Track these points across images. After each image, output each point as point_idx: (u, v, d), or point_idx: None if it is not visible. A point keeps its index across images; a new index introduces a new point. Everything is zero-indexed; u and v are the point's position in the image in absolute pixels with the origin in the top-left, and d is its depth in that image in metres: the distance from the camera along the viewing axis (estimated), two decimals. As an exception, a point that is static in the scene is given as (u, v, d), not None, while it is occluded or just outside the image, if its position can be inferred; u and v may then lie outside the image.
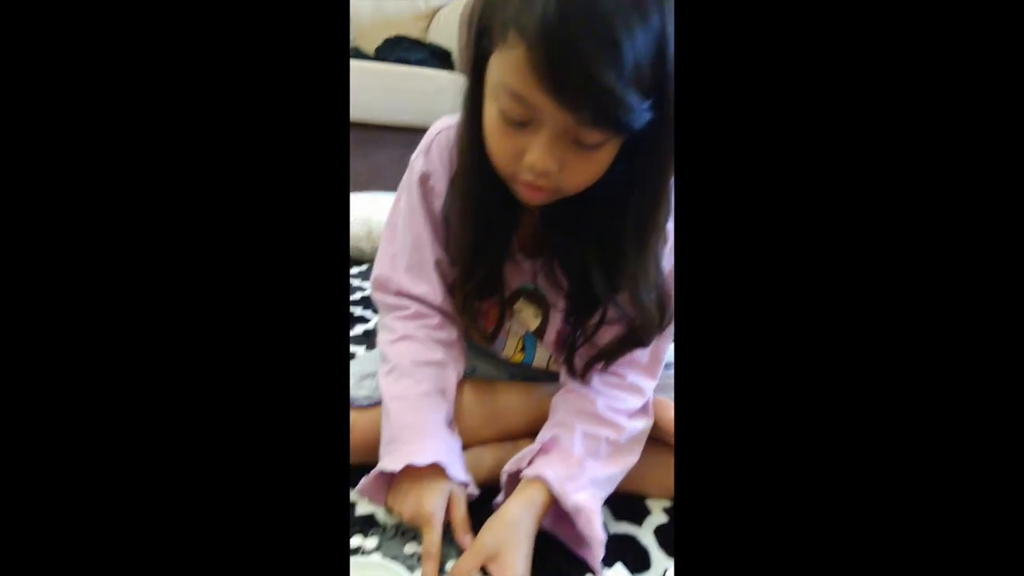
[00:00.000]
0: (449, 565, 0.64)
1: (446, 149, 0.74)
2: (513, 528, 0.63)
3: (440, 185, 0.74)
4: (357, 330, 1.35)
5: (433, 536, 0.63)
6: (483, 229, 0.69)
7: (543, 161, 0.55)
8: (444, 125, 0.75)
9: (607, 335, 0.72)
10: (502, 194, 0.64)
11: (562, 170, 0.56)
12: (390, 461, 0.67)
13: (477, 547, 0.62)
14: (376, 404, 0.78)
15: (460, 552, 0.64)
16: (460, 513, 0.66)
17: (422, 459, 0.66)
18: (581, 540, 0.67)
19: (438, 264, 0.77)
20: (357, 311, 1.48)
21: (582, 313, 0.72)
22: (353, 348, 1.24)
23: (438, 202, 0.75)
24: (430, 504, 0.65)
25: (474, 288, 0.74)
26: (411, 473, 0.67)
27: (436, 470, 0.67)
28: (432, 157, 0.75)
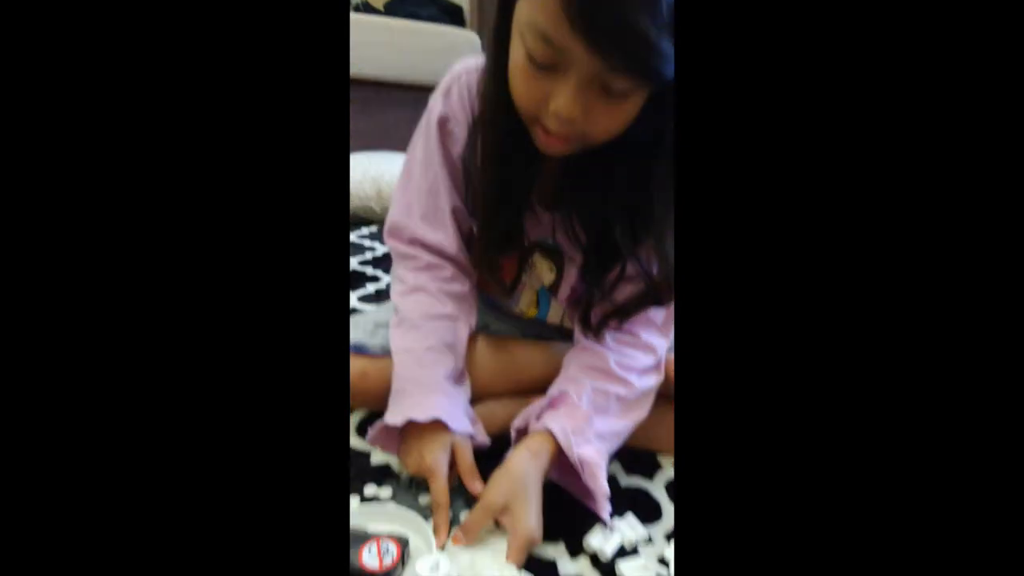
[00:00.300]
0: (463, 516, 0.65)
1: (467, 92, 0.72)
2: (519, 480, 0.64)
3: (459, 130, 0.73)
4: (368, 289, 1.36)
5: (439, 486, 0.64)
6: (504, 176, 0.68)
7: (569, 107, 0.53)
8: (465, 67, 0.73)
9: (624, 292, 0.72)
10: (524, 141, 0.63)
11: (587, 118, 0.55)
12: (392, 415, 0.68)
13: (486, 502, 0.63)
14: (389, 354, 0.78)
15: (471, 500, 0.65)
16: (466, 462, 0.67)
17: (422, 415, 0.67)
18: (587, 491, 0.68)
19: (454, 212, 0.76)
20: (368, 270, 1.48)
21: (598, 269, 0.71)
22: (364, 307, 1.24)
23: (457, 147, 0.73)
24: (431, 457, 0.66)
25: (493, 239, 0.73)
26: (414, 428, 0.68)
27: (437, 425, 0.68)
28: (452, 100, 0.73)
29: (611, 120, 0.57)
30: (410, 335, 0.74)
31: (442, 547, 0.61)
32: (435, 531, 0.62)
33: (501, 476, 0.64)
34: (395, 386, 0.72)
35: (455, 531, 0.62)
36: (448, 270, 0.78)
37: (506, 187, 0.68)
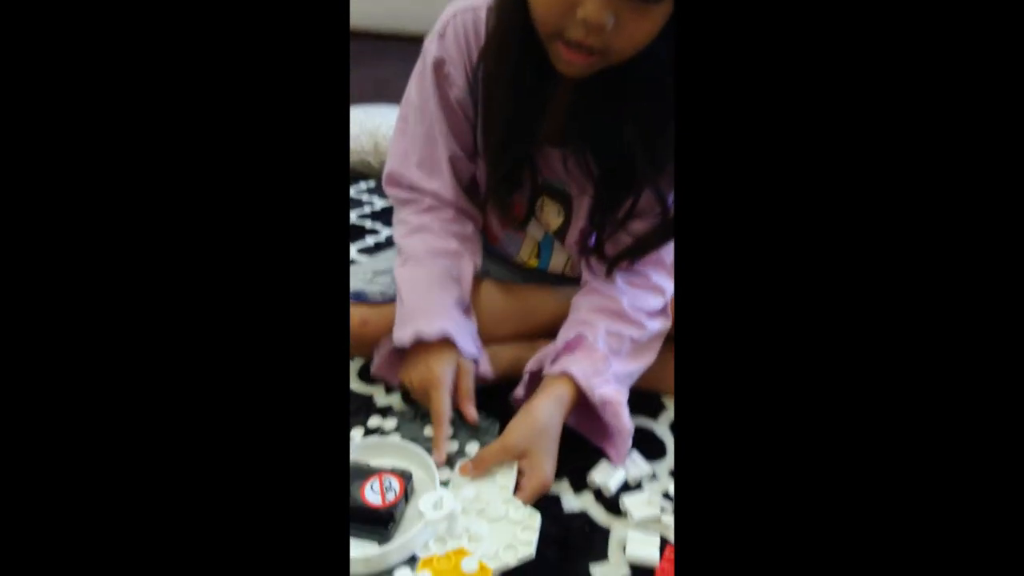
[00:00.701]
0: (470, 448, 0.65)
1: (463, 32, 0.69)
2: (543, 428, 0.64)
3: (456, 72, 0.70)
4: (367, 242, 1.34)
5: (442, 396, 0.64)
6: (515, 107, 0.65)
7: (598, 13, 0.50)
8: (461, 7, 0.71)
9: (638, 228, 0.71)
10: (538, 66, 0.60)
11: (616, 26, 0.52)
12: (400, 334, 0.68)
13: (506, 443, 0.62)
14: (389, 301, 0.78)
15: (476, 432, 0.65)
16: (466, 384, 0.67)
17: (430, 331, 0.67)
18: (606, 432, 0.68)
19: (452, 160, 0.75)
20: (367, 224, 1.46)
21: (611, 204, 0.70)
22: (362, 259, 1.23)
23: (454, 90, 0.71)
24: (439, 369, 0.65)
25: (504, 176, 0.71)
26: (421, 348, 0.67)
27: (445, 342, 0.67)
28: (447, 42, 0.70)
29: (639, 30, 0.54)
30: (415, 270, 0.73)
31: (445, 465, 0.62)
32: (435, 445, 0.62)
33: (524, 420, 0.64)
34: (400, 313, 0.71)
35: (463, 462, 0.62)
36: (450, 212, 0.77)
37: (517, 118, 0.66)
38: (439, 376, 0.65)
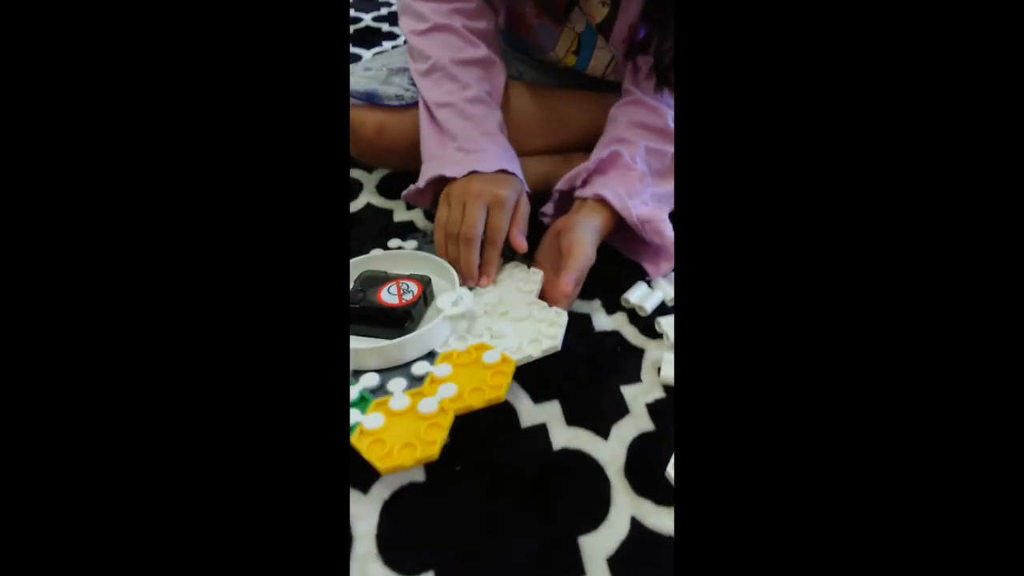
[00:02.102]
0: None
1: None
2: (577, 231, 0.58)
3: None
4: (384, 47, 1.21)
5: (505, 214, 0.56)
6: None
7: None
8: None
9: None
10: None
11: None
12: (451, 167, 0.60)
13: (587, 251, 0.56)
14: (409, 106, 0.69)
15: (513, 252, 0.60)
16: (524, 211, 0.59)
17: (487, 166, 0.59)
18: (646, 249, 0.63)
19: None
20: (384, 27, 1.32)
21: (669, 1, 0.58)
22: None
23: None
24: (503, 191, 0.57)
25: None
26: (478, 176, 0.59)
27: (505, 174, 0.60)
28: None
29: None
30: (445, 85, 0.64)
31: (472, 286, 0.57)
32: (485, 263, 0.57)
33: (553, 242, 0.58)
34: (434, 141, 0.63)
35: (484, 282, 0.57)
36: (472, 1, 0.66)
37: None
38: (504, 196, 0.57)
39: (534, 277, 0.57)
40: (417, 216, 0.74)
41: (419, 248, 0.64)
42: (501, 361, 0.48)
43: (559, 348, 0.50)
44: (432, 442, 0.42)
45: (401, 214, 0.74)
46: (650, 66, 0.66)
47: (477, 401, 0.45)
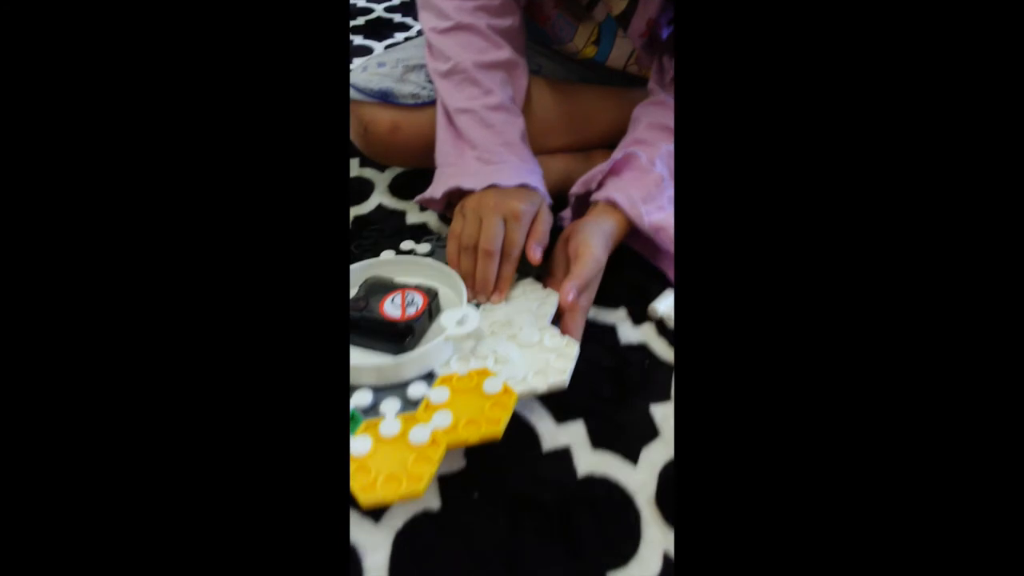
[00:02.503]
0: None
1: None
2: (584, 234, 0.54)
3: None
4: (396, 39, 1.18)
5: (522, 228, 0.53)
6: None
7: None
8: None
9: None
10: None
11: None
12: (469, 179, 0.56)
13: (596, 255, 0.53)
14: (424, 104, 0.65)
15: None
16: (544, 226, 0.55)
17: (508, 179, 0.56)
18: (660, 253, 0.59)
19: None
20: (396, 17, 1.28)
21: None
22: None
23: None
24: (521, 204, 0.54)
25: None
26: (496, 190, 0.56)
27: (525, 188, 0.57)
28: None
29: None
30: (467, 90, 0.60)
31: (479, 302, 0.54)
32: (500, 278, 0.53)
33: (583, 229, 0.55)
34: (451, 148, 0.60)
35: (496, 298, 0.53)
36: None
37: None
38: (522, 210, 0.54)
39: (550, 299, 0.53)
40: (431, 218, 0.71)
41: (432, 252, 0.61)
42: (502, 392, 0.45)
43: (566, 385, 0.47)
44: (419, 478, 0.39)
45: (414, 215, 0.71)
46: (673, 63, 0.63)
47: (472, 436, 0.42)
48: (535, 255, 0.54)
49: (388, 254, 0.59)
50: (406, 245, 0.62)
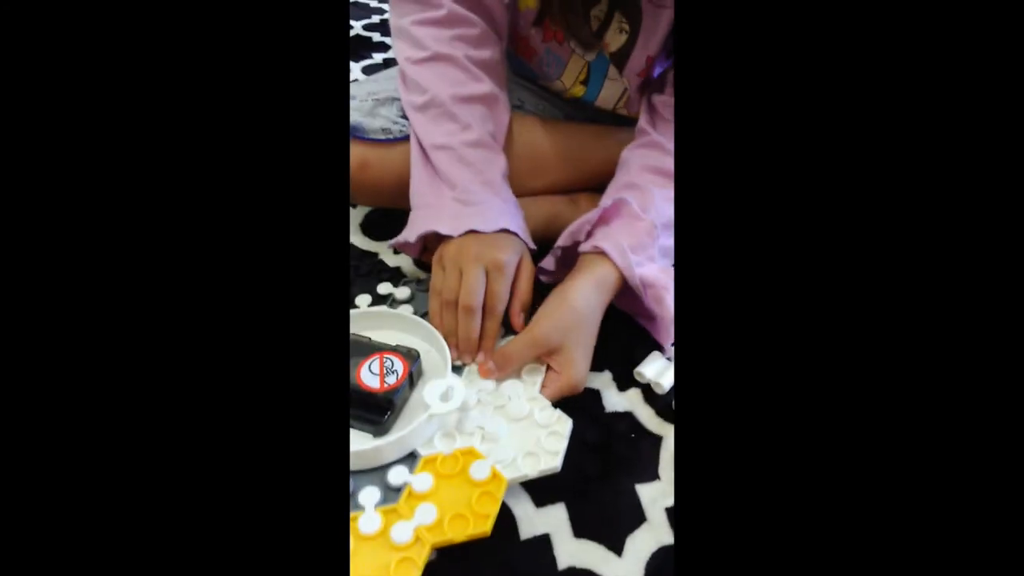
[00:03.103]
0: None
1: None
2: (579, 318, 0.50)
3: None
4: (375, 59, 1.14)
5: (505, 280, 0.50)
6: None
7: None
8: None
9: None
10: None
11: None
12: (446, 223, 0.52)
13: (537, 336, 0.49)
14: (396, 140, 0.61)
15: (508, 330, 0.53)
16: (527, 282, 0.52)
17: (486, 225, 0.52)
18: (650, 314, 0.56)
19: None
20: (375, 36, 1.24)
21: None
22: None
23: None
24: (503, 254, 0.51)
25: None
26: (475, 236, 0.52)
27: (506, 234, 0.53)
28: None
29: None
30: (444, 125, 0.56)
31: (460, 363, 0.50)
32: (484, 337, 0.49)
33: (559, 308, 0.50)
34: (425, 188, 0.56)
35: (480, 358, 0.50)
36: (477, 27, 0.58)
37: None
38: (504, 261, 0.50)
39: (539, 366, 0.50)
40: (405, 261, 0.66)
41: (413, 297, 0.57)
42: (491, 478, 0.41)
43: (558, 470, 0.43)
44: None
45: (387, 257, 0.67)
46: (668, 105, 0.60)
47: (458, 534, 0.38)
48: (518, 321, 0.51)
49: (363, 299, 0.55)
50: (383, 289, 0.58)
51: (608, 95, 0.67)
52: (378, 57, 1.15)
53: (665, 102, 0.60)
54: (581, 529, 0.43)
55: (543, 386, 0.49)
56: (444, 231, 0.52)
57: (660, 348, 0.55)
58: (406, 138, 0.60)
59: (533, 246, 0.55)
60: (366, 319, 0.53)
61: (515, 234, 0.53)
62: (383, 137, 0.61)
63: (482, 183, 0.55)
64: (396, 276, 0.64)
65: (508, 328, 0.52)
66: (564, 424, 0.46)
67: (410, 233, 0.55)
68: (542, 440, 0.45)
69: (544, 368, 0.50)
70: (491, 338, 0.49)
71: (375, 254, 0.67)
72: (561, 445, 0.45)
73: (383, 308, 0.54)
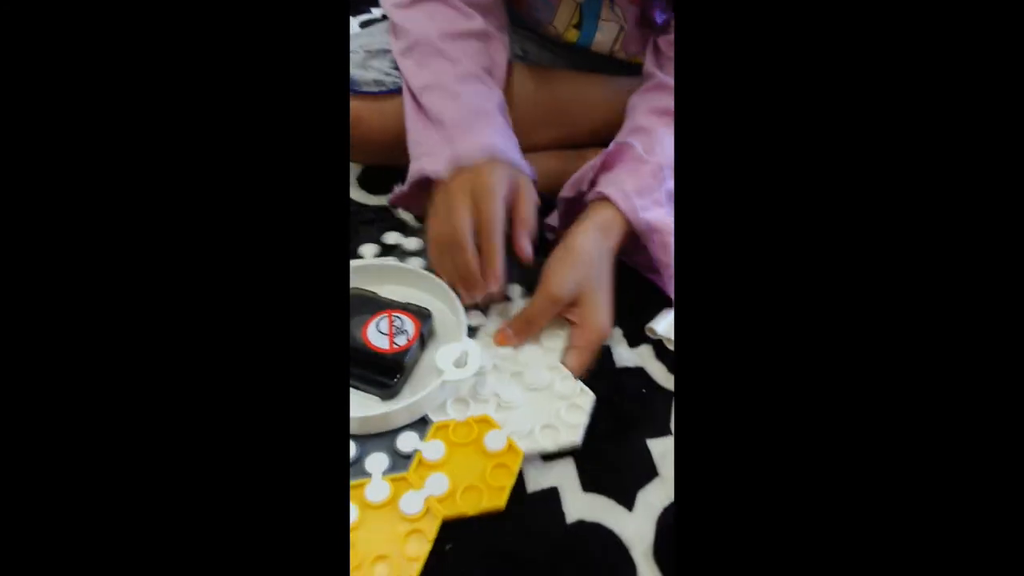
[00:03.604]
0: (515, 308, 0.51)
1: None
2: (591, 266, 0.48)
3: None
4: (374, 14, 1.10)
5: (495, 205, 0.45)
6: None
7: None
8: None
9: None
10: None
11: None
12: (430, 162, 0.50)
13: (552, 293, 0.47)
14: (390, 92, 0.59)
15: (521, 269, 0.49)
16: (527, 207, 0.48)
17: (471, 154, 0.49)
18: (658, 265, 0.54)
19: None
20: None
21: None
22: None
23: None
24: (490, 179, 0.47)
25: None
26: (462, 171, 0.49)
27: (492, 159, 0.49)
28: None
29: None
30: (432, 63, 0.54)
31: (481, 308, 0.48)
32: (485, 266, 0.45)
33: (567, 260, 0.48)
34: (420, 131, 0.54)
35: (501, 326, 0.48)
36: None
37: None
38: (491, 182, 0.46)
39: (559, 331, 0.48)
40: (411, 218, 0.64)
41: (424, 248, 0.54)
42: (506, 449, 0.40)
43: (579, 445, 0.42)
44: (413, 559, 0.34)
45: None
46: (673, 44, 0.57)
47: (471, 507, 0.37)
48: (524, 246, 0.46)
49: (369, 249, 0.52)
50: (390, 238, 0.55)
51: (603, 39, 0.64)
52: (377, 12, 1.11)
53: (670, 41, 0.57)
54: (590, 483, 0.42)
55: (570, 346, 0.47)
56: (430, 169, 0.49)
57: (671, 304, 0.54)
58: (399, 89, 0.58)
59: (532, 174, 0.52)
60: (371, 272, 0.50)
61: (507, 159, 0.49)
62: (376, 90, 0.59)
63: (471, 112, 0.51)
64: (405, 229, 0.62)
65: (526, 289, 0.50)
66: (586, 398, 0.44)
67: (406, 182, 0.53)
68: (562, 412, 0.43)
69: (564, 334, 0.48)
70: (493, 258, 0.45)
71: (380, 207, 0.65)
72: (582, 420, 0.43)
73: (390, 260, 0.52)
